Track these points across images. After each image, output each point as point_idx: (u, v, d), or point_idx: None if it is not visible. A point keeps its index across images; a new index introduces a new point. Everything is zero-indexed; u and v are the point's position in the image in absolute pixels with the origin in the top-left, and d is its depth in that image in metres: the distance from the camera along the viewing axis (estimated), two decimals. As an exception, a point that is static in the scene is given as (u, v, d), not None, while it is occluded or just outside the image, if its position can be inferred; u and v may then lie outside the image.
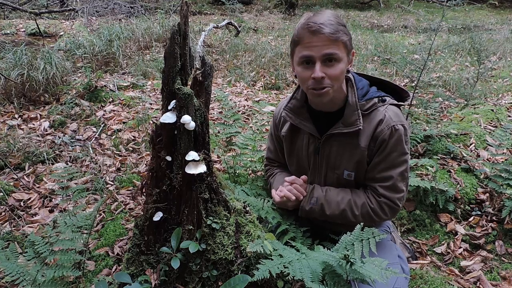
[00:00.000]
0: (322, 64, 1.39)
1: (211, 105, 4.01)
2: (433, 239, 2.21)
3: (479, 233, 2.18)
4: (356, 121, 1.49)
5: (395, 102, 1.56)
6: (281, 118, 1.76)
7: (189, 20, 1.30)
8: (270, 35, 8.01)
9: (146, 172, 1.63)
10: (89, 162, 3.03)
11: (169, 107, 1.26)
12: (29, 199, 2.56)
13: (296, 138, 1.69)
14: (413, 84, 3.20)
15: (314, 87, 1.44)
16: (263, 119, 2.90)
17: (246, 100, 4.51)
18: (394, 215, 1.58)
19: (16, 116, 3.73)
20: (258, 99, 4.56)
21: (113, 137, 3.46)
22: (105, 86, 4.29)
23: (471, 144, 2.84)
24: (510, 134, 2.54)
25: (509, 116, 3.32)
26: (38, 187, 2.70)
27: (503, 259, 2.04)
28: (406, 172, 1.54)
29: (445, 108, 4.00)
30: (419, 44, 6.70)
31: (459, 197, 2.35)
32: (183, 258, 1.30)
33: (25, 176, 2.80)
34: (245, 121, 3.83)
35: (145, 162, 3.02)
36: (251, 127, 3.56)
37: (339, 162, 1.58)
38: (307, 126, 1.61)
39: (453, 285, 1.80)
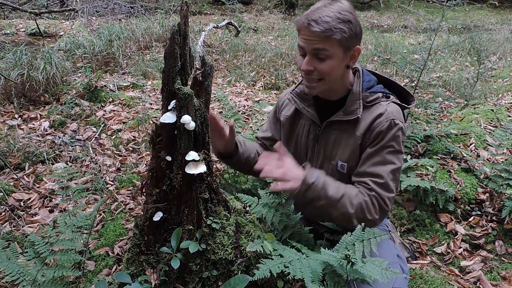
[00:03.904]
0: (312, 58, 1.41)
1: (211, 105, 4.00)
2: (433, 239, 2.20)
3: (479, 233, 2.18)
4: (356, 110, 1.49)
5: (399, 102, 1.55)
6: (284, 101, 1.76)
7: (189, 20, 1.30)
8: (270, 35, 8.01)
9: (146, 172, 1.63)
10: (89, 162, 3.03)
11: (169, 107, 1.26)
12: (29, 199, 2.56)
13: (297, 123, 1.69)
14: (413, 84, 3.20)
15: (304, 76, 1.47)
16: (263, 119, 2.90)
17: (246, 100, 4.51)
18: (382, 217, 1.47)
19: (16, 116, 3.73)
20: (258, 99, 4.56)
21: (113, 137, 3.46)
22: (105, 86, 4.28)
23: (471, 144, 2.84)
24: (510, 134, 2.54)
25: (509, 116, 3.32)
26: (38, 187, 2.70)
27: (503, 259, 2.04)
28: (397, 172, 1.49)
29: (445, 108, 4.00)
30: (419, 44, 6.70)
31: (459, 197, 2.35)
32: (183, 258, 1.30)
33: (25, 176, 2.80)
34: (245, 121, 3.83)
35: (145, 162, 3.02)
36: (251, 127, 3.56)
37: (335, 152, 1.57)
38: (310, 112, 1.61)
39: (453, 285, 1.80)
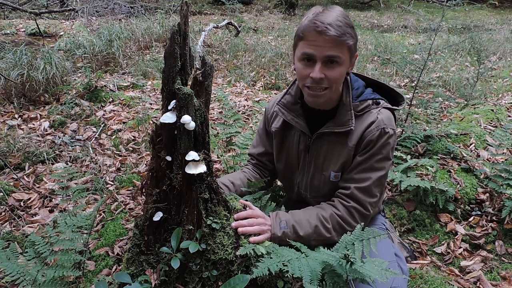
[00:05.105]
0: (322, 65, 1.36)
1: (211, 105, 4.01)
2: (433, 239, 2.20)
3: (479, 233, 2.18)
4: (349, 121, 1.47)
5: (389, 106, 1.54)
6: (273, 113, 1.72)
7: (189, 20, 1.30)
8: (270, 35, 8.02)
9: (146, 172, 1.63)
10: (89, 162, 3.03)
11: (169, 107, 1.26)
12: (29, 199, 2.56)
13: (287, 134, 1.67)
14: (413, 84, 3.20)
15: (310, 85, 1.42)
16: (263, 119, 2.89)
17: (246, 100, 4.51)
18: (366, 221, 1.49)
19: (16, 116, 3.73)
20: (258, 99, 4.56)
21: (113, 137, 3.46)
22: (105, 86, 4.29)
23: (471, 144, 2.84)
24: (510, 134, 2.54)
25: (509, 116, 3.32)
26: (38, 187, 2.70)
27: (503, 259, 2.04)
28: (384, 179, 1.50)
29: (445, 108, 4.00)
30: (419, 44, 6.71)
31: (459, 197, 2.35)
32: (183, 258, 1.30)
33: (25, 176, 2.80)
34: (245, 121, 3.83)
35: (145, 162, 3.02)
36: (251, 127, 3.56)
37: (327, 163, 1.55)
38: (299, 123, 1.58)
39: (453, 285, 1.80)
